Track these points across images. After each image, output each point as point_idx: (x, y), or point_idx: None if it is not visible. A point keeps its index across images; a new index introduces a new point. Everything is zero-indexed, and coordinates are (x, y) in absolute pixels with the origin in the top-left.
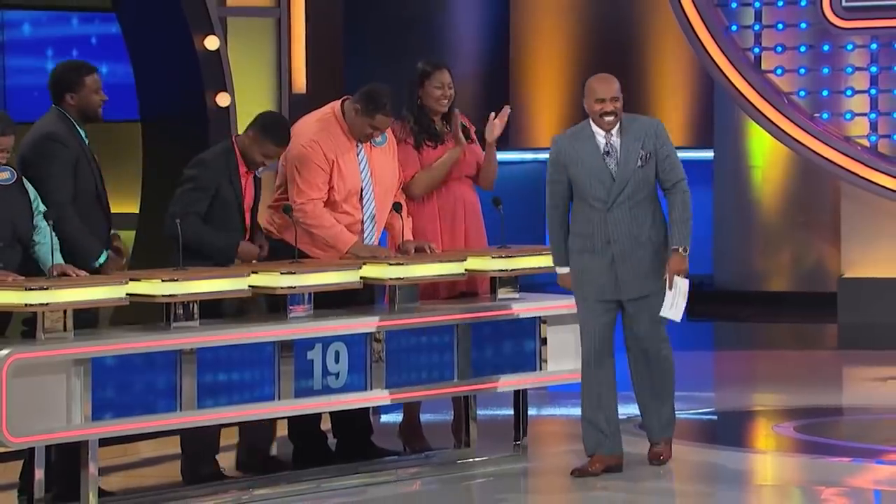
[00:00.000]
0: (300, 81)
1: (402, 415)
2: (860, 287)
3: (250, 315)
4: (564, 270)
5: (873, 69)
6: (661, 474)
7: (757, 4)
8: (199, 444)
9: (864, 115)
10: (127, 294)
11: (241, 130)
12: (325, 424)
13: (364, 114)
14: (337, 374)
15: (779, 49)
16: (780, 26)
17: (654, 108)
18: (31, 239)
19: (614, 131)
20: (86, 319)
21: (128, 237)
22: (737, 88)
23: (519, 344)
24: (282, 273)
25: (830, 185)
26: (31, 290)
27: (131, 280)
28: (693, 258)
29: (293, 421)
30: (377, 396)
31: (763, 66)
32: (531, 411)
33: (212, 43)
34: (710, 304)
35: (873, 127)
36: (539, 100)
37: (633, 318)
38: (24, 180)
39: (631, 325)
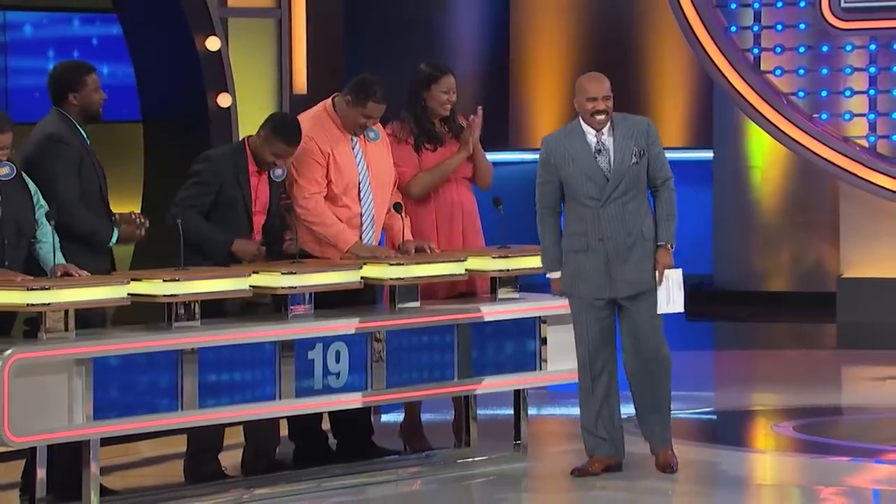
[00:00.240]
0: (301, 82)
1: (402, 414)
2: (859, 287)
3: (251, 315)
4: (556, 275)
5: (872, 70)
6: (661, 475)
7: (756, 5)
8: (201, 443)
9: (863, 115)
10: (128, 294)
11: (242, 131)
12: (326, 424)
13: (355, 104)
14: (338, 374)
15: (778, 50)
16: (780, 27)
17: (653, 108)
18: (33, 235)
19: (605, 130)
20: (95, 319)
21: (117, 244)
22: (736, 89)
23: (519, 344)
24: (282, 273)
25: (829, 186)
26: (33, 290)
27: (133, 280)
28: (693, 258)
29: (293, 420)
30: (378, 396)
31: (762, 67)
32: (531, 411)
33: (213, 44)
34: (710, 303)
35: (872, 127)
36: (539, 100)
37: (629, 317)
38: (24, 175)
39: (628, 324)
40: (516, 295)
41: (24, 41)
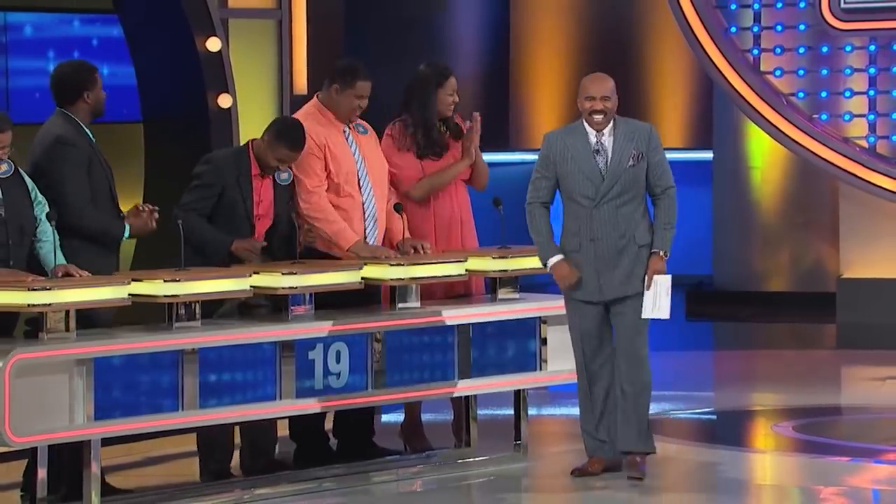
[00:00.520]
0: (301, 83)
1: (402, 415)
2: (859, 287)
3: (252, 315)
4: (556, 259)
5: (872, 70)
6: (660, 474)
7: (756, 6)
8: (210, 443)
9: (863, 116)
10: (129, 294)
11: (242, 131)
12: (328, 424)
13: (344, 87)
14: (338, 374)
15: (778, 50)
16: (779, 28)
17: (653, 108)
18: (34, 233)
19: (606, 131)
20: (102, 320)
21: (130, 238)
22: (736, 90)
23: (519, 344)
24: (283, 273)
25: (829, 186)
26: (34, 290)
27: (133, 280)
28: (692, 258)
29: (295, 420)
30: (378, 396)
31: (762, 68)
32: (531, 411)
33: (213, 44)
34: (710, 304)
35: (872, 128)
36: (539, 100)
37: (615, 320)
38: (21, 172)
39: (615, 326)
40: (516, 295)
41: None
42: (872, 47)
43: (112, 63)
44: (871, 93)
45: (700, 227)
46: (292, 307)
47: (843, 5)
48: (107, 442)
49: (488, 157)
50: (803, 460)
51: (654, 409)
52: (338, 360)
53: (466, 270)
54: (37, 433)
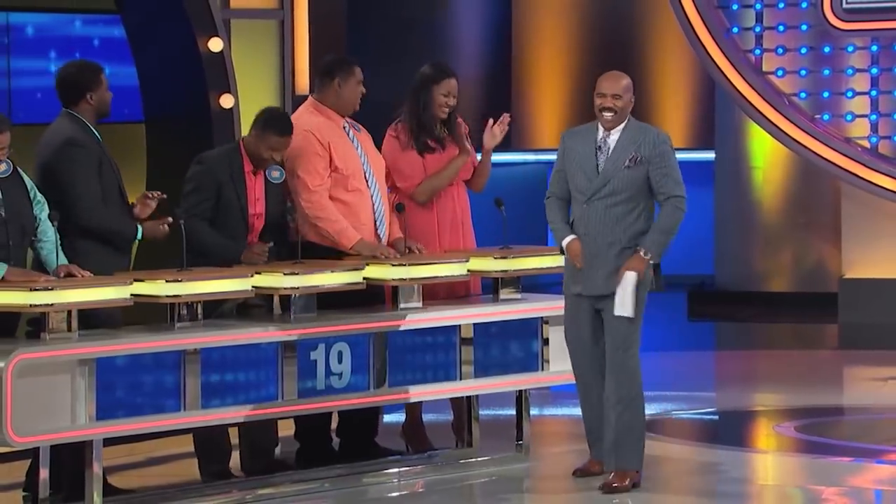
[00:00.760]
0: (303, 83)
1: (404, 415)
2: (861, 287)
3: (249, 314)
4: (569, 238)
5: (874, 71)
6: (662, 474)
7: (758, 6)
8: (207, 444)
9: (865, 116)
10: (131, 294)
11: (244, 132)
12: (333, 424)
13: (346, 78)
14: (340, 375)
15: (780, 51)
16: (781, 28)
17: (655, 108)
18: (34, 233)
19: (614, 130)
20: (110, 320)
21: (142, 240)
22: (738, 90)
23: (521, 344)
24: (285, 274)
25: (831, 186)
26: (36, 290)
27: (135, 281)
28: (694, 258)
29: (300, 420)
30: (380, 396)
31: (764, 68)
32: (533, 411)
33: (215, 45)
34: (711, 304)
35: (874, 128)
36: (541, 101)
37: (604, 328)
38: (21, 171)
39: (603, 328)
40: (518, 296)
41: (26, 42)
42: (874, 47)
43: (114, 63)
44: (873, 93)
45: (702, 227)
46: (294, 307)
47: (845, 5)
48: (108, 442)
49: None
50: (805, 461)
51: (655, 409)
52: (339, 361)
53: (468, 271)
54: (39, 433)
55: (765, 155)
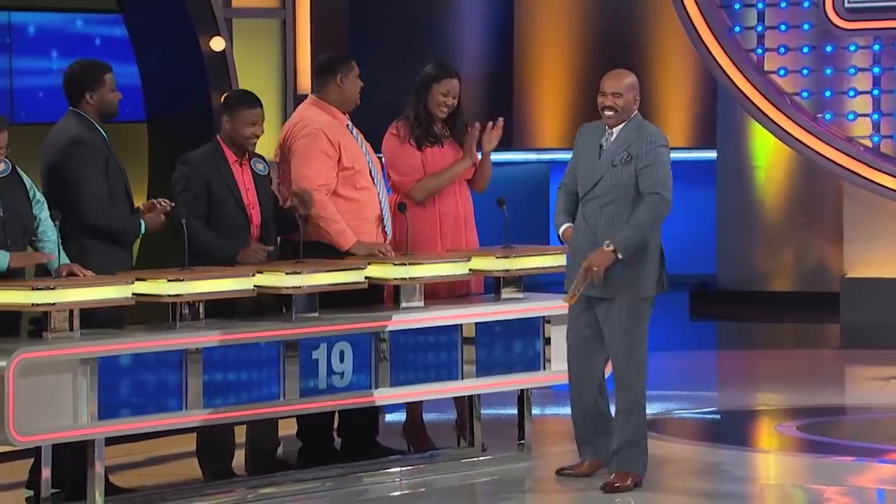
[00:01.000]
0: (305, 82)
1: (405, 414)
2: (862, 287)
3: (256, 315)
4: (564, 226)
5: (876, 70)
6: (664, 474)
7: (760, 6)
8: (210, 444)
9: (867, 115)
10: (133, 294)
11: None
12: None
13: (347, 73)
14: (342, 374)
15: (782, 50)
16: (783, 27)
17: (657, 108)
18: (34, 233)
19: (616, 129)
20: (114, 319)
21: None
22: (740, 89)
23: (523, 343)
24: (287, 273)
25: (833, 186)
26: (38, 289)
27: (137, 280)
28: (696, 258)
29: (302, 420)
30: (382, 396)
31: (766, 67)
32: (535, 410)
33: (217, 44)
34: (713, 303)
35: (876, 127)
36: (542, 100)
37: (601, 324)
38: (19, 170)
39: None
40: (520, 295)
41: (28, 41)
42: (876, 47)
43: (115, 62)
44: (875, 92)
45: (703, 226)
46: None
47: (846, 5)
48: (110, 441)
49: (492, 156)
50: (807, 460)
51: (657, 408)
52: (341, 360)
53: (470, 270)
54: (41, 432)
55: (766, 154)
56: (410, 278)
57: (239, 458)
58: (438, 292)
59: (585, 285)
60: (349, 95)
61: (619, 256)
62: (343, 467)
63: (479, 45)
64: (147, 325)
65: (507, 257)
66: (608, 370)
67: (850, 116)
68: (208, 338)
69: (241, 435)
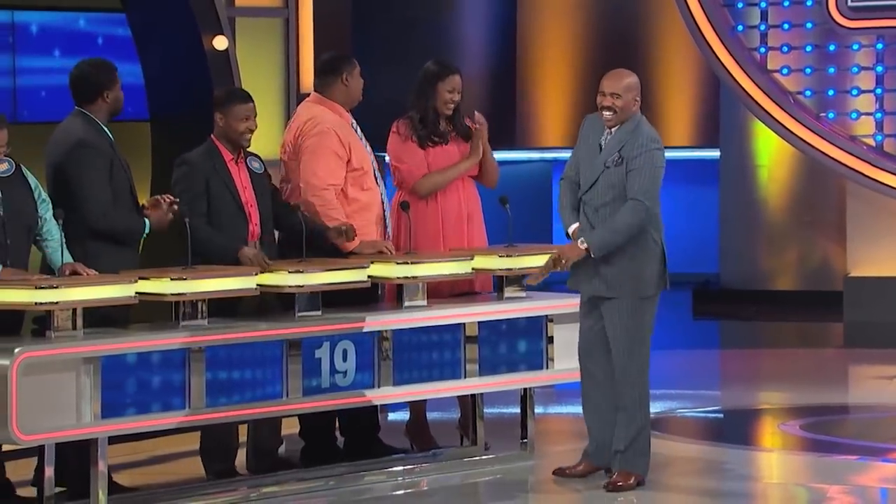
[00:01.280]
0: (308, 81)
1: (408, 413)
2: (866, 286)
3: (259, 314)
4: (574, 226)
5: (879, 69)
6: (667, 473)
7: (763, 4)
8: (213, 442)
9: (870, 114)
10: (136, 293)
11: None
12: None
13: (351, 71)
14: (345, 373)
15: (785, 49)
16: (786, 26)
17: (660, 107)
18: (39, 233)
19: (615, 129)
20: (118, 317)
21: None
22: (743, 88)
23: (526, 342)
24: (290, 272)
25: (836, 185)
26: (41, 288)
27: (140, 279)
28: (699, 257)
29: (305, 419)
30: (385, 394)
31: (769, 66)
32: (538, 409)
33: (220, 43)
34: (716, 302)
35: (879, 126)
36: (545, 100)
37: (605, 323)
38: (24, 170)
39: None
40: (523, 294)
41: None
42: (880, 45)
43: (118, 61)
44: (879, 91)
45: (707, 225)
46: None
47: (850, 3)
48: (113, 440)
49: (495, 155)
50: (810, 459)
51: (660, 407)
52: (344, 359)
53: (473, 269)
54: (44, 431)
55: (770, 153)
56: (413, 277)
57: (241, 457)
58: (441, 290)
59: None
60: (353, 94)
61: (592, 255)
62: (346, 466)
63: (481, 44)
64: (150, 323)
65: (509, 256)
66: None
67: (854, 115)
68: (211, 337)
69: (243, 434)
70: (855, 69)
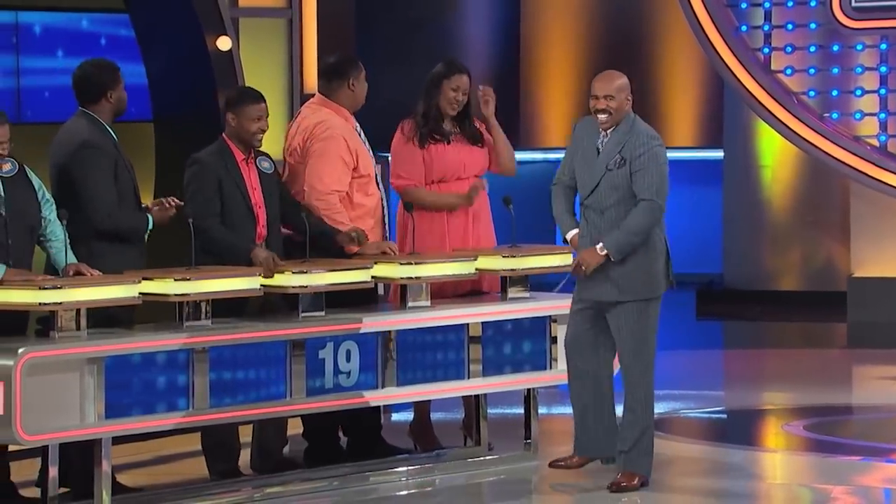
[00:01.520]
0: (311, 82)
1: (412, 413)
2: (869, 286)
3: (262, 314)
4: (573, 232)
5: (883, 69)
6: (671, 474)
7: (767, 5)
8: (216, 443)
9: (874, 114)
10: (140, 293)
11: None
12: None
13: (358, 75)
14: (348, 373)
15: (788, 49)
16: (790, 26)
17: (663, 108)
18: (43, 233)
19: (610, 131)
20: (123, 317)
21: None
22: (747, 88)
23: (529, 343)
24: (294, 272)
25: (840, 185)
26: (45, 289)
27: (144, 279)
28: (702, 257)
29: (308, 419)
30: (388, 395)
31: (773, 67)
32: (541, 410)
33: (224, 43)
34: (720, 303)
35: (883, 126)
36: (549, 100)
37: (611, 326)
38: (27, 170)
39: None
40: (527, 294)
41: (34, 41)
42: (884, 45)
43: (122, 62)
44: (882, 91)
45: (710, 225)
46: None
47: (854, 4)
48: (117, 440)
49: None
50: (814, 459)
51: (664, 408)
52: (348, 359)
53: (476, 269)
54: (48, 431)
55: (773, 153)
56: (417, 277)
57: (244, 456)
58: (445, 290)
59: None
60: (359, 98)
61: (612, 259)
62: (350, 467)
63: (485, 44)
64: (154, 324)
65: (513, 256)
66: (616, 368)
67: (857, 115)
68: (215, 337)
69: (246, 434)
70: (859, 69)
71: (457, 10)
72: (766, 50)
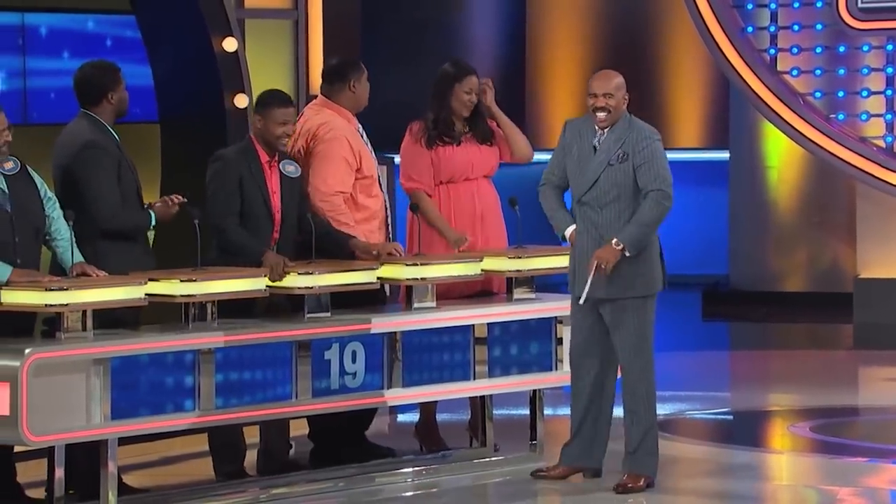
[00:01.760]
0: (317, 83)
1: (418, 414)
2: (876, 287)
3: (268, 315)
4: (571, 228)
5: (889, 70)
6: (677, 475)
7: (773, 6)
8: (222, 444)
9: (880, 115)
10: (146, 294)
11: None
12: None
13: (360, 76)
14: (354, 374)
15: (794, 50)
16: (796, 27)
17: (669, 108)
18: (47, 232)
19: (607, 129)
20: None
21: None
22: (752, 90)
23: (535, 344)
24: (299, 274)
25: (846, 186)
26: (51, 290)
27: (150, 280)
28: (708, 258)
29: (314, 420)
30: (394, 396)
31: (779, 68)
32: (547, 411)
33: (230, 44)
34: (726, 304)
35: (889, 128)
36: (555, 101)
37: (608, 325)
38: (30, 170)
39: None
40: (532, 295)
41: (40, 42)
42: (890, 47)
43: (127, 63)
44: (889, 92)
45: (716, 226)
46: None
47: (860, 5)
48: (123, 441)
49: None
50: (820, 461)
51: (669, 409)
52: (353, 360)
53: (482, 270)
54: (54, 432)
55: (779, 154)
56: (422, 279)
57: (250, 458)
58: (454, 291)
59: (593, 279)
60: (360, 100)
61: (627, 254)
62: (356, 468)
63: (491, 45)
64: (160, 325)
65: (519, 257)
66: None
67: (864, 117)
68: (221, 338)
69: (252, 435)
70: (865, 70)
71: (462, 10)
72: (772, 51)
